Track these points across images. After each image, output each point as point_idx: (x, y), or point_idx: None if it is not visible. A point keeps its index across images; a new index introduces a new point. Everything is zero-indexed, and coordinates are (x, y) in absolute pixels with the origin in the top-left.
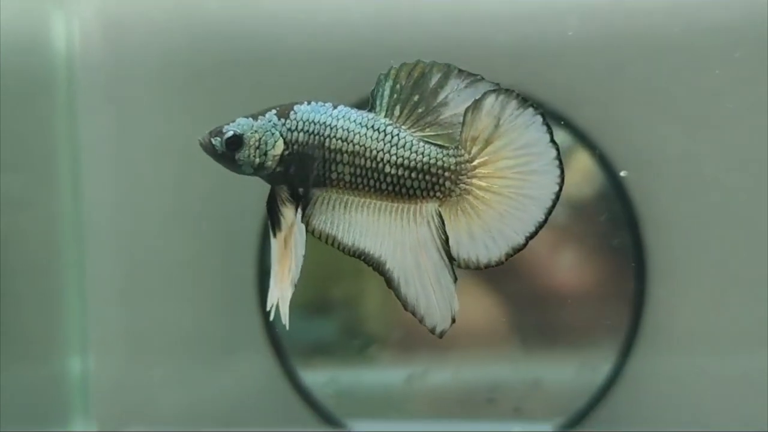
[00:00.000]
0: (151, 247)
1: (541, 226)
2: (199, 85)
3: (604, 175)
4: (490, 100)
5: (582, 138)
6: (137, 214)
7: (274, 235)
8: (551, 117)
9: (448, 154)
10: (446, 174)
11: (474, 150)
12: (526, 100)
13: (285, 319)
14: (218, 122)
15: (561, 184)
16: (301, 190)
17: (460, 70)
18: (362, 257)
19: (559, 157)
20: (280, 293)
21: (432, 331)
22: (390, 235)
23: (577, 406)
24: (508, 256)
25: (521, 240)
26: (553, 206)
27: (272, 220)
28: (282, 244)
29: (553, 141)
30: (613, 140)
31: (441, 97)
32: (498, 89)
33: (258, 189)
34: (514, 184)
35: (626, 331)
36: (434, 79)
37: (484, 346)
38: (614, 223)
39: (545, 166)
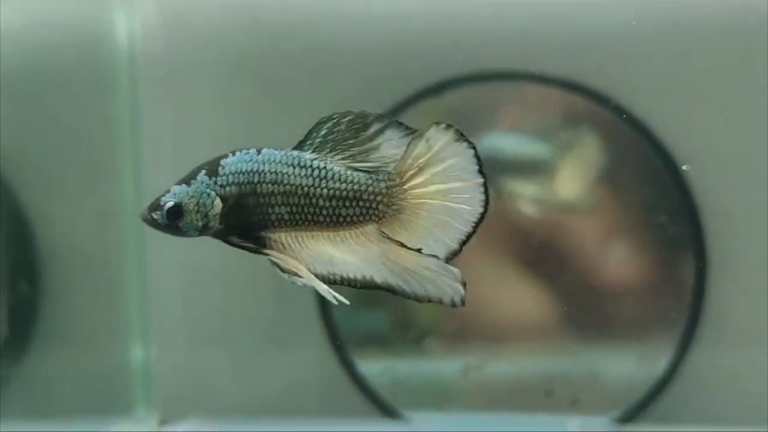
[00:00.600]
0: (210, 239)
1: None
2: (257, 78)
3: (665, 167)
4: (432, 131)
5: (642, 130)
6: None
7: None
8: (613, 109)
9: (378, 179)
10: (378, 198)
11: (406, 175)
12: (462, 134)
13: (336, 297)
14: (277, 115)
15: (485, 210)
16: (250, 236)
17: (399, 123)
18: (344, 283)
19: (485, 185)
20: (312, 282)
21: (454, 304)
22: (356, 255)
23: (634, 398)
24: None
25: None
26: (476, 227)
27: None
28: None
29: (481, 171)
30: (673, 132)
31: (375, 143)
32: (439, 123)
33: None
34: (443, 205)
35: (685, 324)
36: (372, 129)
37: (541, 339)
38: (674, 215)
39: (472, 191)
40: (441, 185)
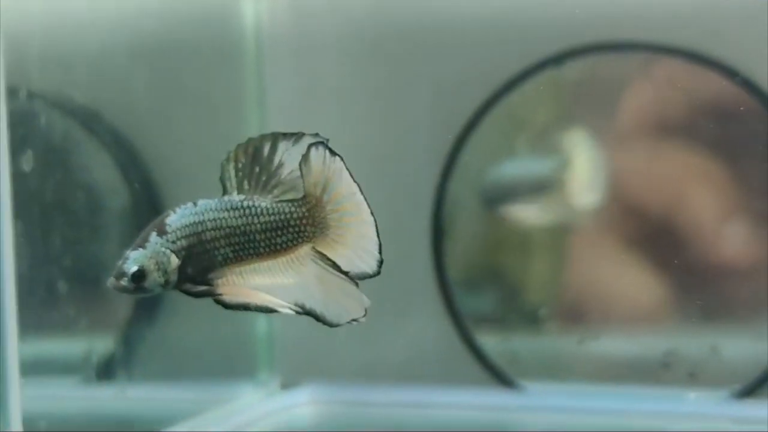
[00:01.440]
0: None
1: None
2: (380, 54)
3: None
4: (313, 151)
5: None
6: None
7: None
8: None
9: (298, 204)
10: (303, 221)
11: (318, 193)
12: (332, 150)
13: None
14: (399, 92)
15: (372, 215)
16: (202, 280)
17: (283, 134)
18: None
19: (360, 191)
20: (267, 303)
21: (356, 320)
22: (293, 280)
23: (754, 374)
24: (380, 264)
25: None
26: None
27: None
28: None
29: (355, 181)
30: None
31: (276, 161)
32: (315, 141)
33: (434, 160)
34: (353, 213)
35: None
36: (266, 149)
37: (658, 315)
38: None
39: (355, 200)
40: (342, 196)
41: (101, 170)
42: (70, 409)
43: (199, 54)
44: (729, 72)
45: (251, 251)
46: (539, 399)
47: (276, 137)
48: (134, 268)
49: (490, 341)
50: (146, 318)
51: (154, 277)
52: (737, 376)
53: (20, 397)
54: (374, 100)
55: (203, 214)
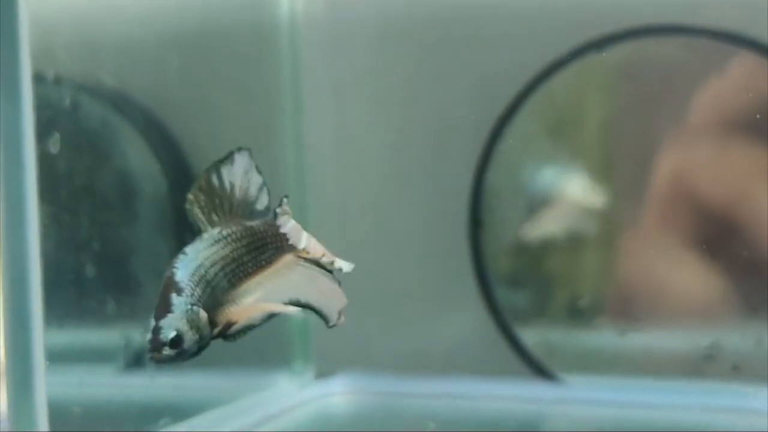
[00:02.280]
0: (368, 202)
1: None
2: (414, 42)
3: None
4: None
5: None
6: (356, 165)
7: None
8: None
9: (270, 219)
10: (279, 234)
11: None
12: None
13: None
14: (433, 77)
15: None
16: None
17: (220, 161)
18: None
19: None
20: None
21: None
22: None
23: None
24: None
25: None
26: None
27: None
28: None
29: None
30: None
31: (227, 186)
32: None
33: (471, 147)
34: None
35: None
36: (215, 180)
37: (704, 307)
38: None
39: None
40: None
41: (134, 155)
42: (103, 397)
43: (233, 40)
44: None
45: (247, 272)
46: (579, 391)
47: (216, 166)
48: (172, 334)
49: (529, 333)
50: None
51: (190, 337)
52: None
53: (45, 384)
54: (411, 88)
55: (196, 258)
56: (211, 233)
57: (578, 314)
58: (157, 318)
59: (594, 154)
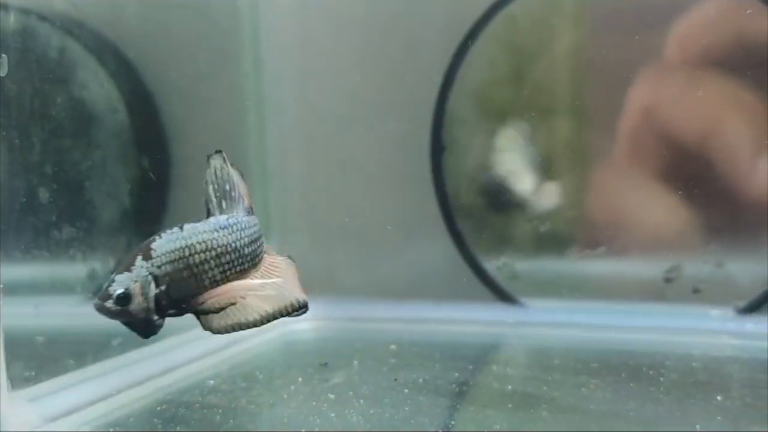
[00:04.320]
0: (331, 130)
1: None
2: None
3: None
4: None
5: None
6: (318, 93)
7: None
8: None
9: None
10: (260, 231)
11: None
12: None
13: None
14: (397, 2)
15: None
16: (182, 307)
17: (219, 152)
18: (273, 318)
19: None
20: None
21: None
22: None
23: (759, 291)
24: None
25: None
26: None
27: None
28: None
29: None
30: None
31: (233, 177)
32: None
33: (434, 71)
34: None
35: None
36: (222, 169)
37: (666, 233)
38: None
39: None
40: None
41: (89, 79)
42: (66, 326)
43: None
44: None
45: (234, 269)
46: (540, 315)
47: (221, 156)
48: (120, 291)
49: (491, 259)
50: (142, 223)
51: (139, 302)
52: (743, 292)
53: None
54: (374, 15)
55: (191, 238)
56: (218, 219)
57: (540, 241)
58: (115, 272)
59: (559, 83)
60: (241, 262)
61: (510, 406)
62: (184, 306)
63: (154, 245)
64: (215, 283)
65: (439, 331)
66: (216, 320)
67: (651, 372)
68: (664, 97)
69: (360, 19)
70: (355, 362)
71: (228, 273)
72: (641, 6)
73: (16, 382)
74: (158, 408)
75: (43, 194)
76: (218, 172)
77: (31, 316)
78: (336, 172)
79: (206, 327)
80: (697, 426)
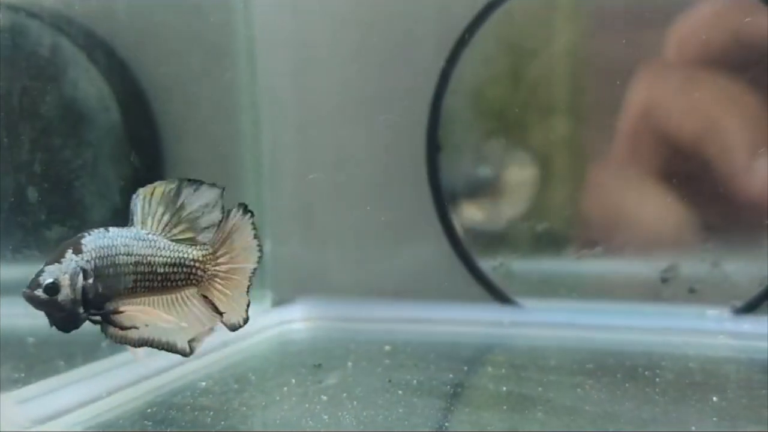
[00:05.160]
0: (326, 127)
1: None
2: None
3: None
4: (232, 212)
5: None
6: (313, 89)
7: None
8: None
9: (196, 249)
10: (197, 264)
11: (218, 245)
12: (248, 210)
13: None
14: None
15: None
16: (103, 306)
17: (189, 180)
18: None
19: (260, 246)
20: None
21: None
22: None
23: (755, 291)
24: (245, 321)
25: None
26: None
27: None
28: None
29: (256, 236)
30: None
31: (178, 204)
32: (216, 190)
33: (430, 76)
34: (240, 265)
35: None
36: (171, 193)
37: (663, 232)
38: None
39: (252, 251)
40: (236, 254)
41: (79, 77)
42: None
43: None
44: None
45: (148, 284)
46: (536, 316)
47: (180, 183)
48: (49, 281)
49: (487, 259)
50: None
51: (67, 293)
52: (739, 292)
53: None
54: (371, 10)
55: (116, 239)
56: (138, 231)
57: (537, 240)
58: (47, 263)
59: (556, 81)
60: (151, 278)
61: (505, 407)
62: (105, 306)
63: (83, 241)
64: (128, 292)
65: (434, 332)
66: (115, 330)
67: (647, 372)
68: (661, 96)
69: (355, 17)
70: (349, 363)
71: (139, 285)
72: (639, 4)
73: (6, 383)
74: (149, 410)
75: (33, 193)
76: (201, 204)
77: (21, 317)
78: (330, 171)
79: (103, 331)
80: (693, 427)
